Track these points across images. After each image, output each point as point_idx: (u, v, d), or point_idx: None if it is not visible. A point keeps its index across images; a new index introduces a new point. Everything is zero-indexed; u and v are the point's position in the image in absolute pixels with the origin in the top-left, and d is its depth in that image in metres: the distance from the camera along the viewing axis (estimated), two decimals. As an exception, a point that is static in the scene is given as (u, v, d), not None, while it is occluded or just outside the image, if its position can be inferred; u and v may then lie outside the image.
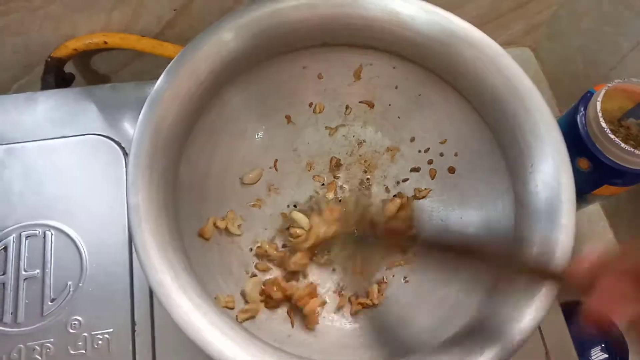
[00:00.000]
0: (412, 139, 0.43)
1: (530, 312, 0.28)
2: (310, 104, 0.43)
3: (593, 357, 0.52)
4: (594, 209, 0.63)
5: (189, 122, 0.34)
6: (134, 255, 0.40)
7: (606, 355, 0.52)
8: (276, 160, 0.42)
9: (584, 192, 0.51)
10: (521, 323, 0.28)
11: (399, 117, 0.43)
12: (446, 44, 0.36)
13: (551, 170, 0.32)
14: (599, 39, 0.59)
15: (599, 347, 0.53)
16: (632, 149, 0.44)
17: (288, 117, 0.42)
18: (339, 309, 0.38)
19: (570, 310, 0.53)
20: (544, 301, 0.28)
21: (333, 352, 0.34)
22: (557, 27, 0.66)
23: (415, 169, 0.43)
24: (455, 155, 0.41)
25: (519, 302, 0.28)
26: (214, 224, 0.38)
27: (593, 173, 0.48)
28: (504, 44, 0.37)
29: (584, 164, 0.48)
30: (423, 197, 0.42)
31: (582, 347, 0.53)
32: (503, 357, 0.27)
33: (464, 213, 0.39)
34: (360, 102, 0.43)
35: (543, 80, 0.69)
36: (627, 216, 0.61)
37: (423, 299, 0.37)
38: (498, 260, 0.26)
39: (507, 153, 0.35)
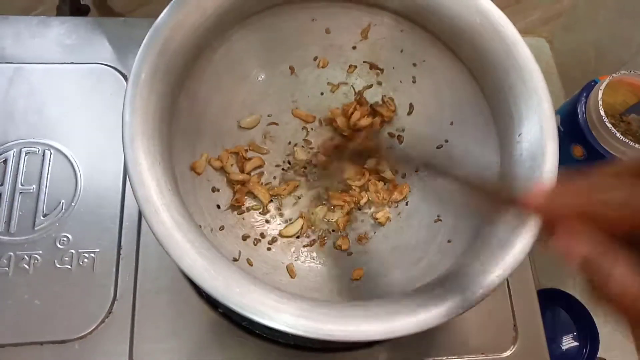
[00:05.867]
0: (411, 105, 0.43)
1: (499, 267, 0.29)
2: (315, 58, 0.43)
3: (564, 344, 0.53)
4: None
5: (193, 53, 0.34)
6: (128, 184, 0.42)
7: (577, 343, 0.53)
8: (275, 109, 0.43)
9: (575, 180, 0.52)
10: (490, 277, 0.29)
11: (400, 82, 0.43)
12: (452, 8, 0.36)
13: (537, 141, 0.32)
14: (614, 33, 0.59)
15: (571, 335, 0.54)
16: (626, 140, 0.44)
17: (292, 68, 0.43)
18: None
19: (546, 296, 0.54)
20: (516, 256, 0.29)
21: (308, 290, 0.36)
22: (575, 19, 0.65)
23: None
24: (451, 124, 0.41)
25: (492, 256, 0.29)
26: (209, 162, 0.39)
27: (586, 161, 0.48)
28: (520, 32, 0.37)
29: (578, 151, 0.48)
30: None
31: (555, 333, 0.54)
32: (464, 307, 0.28)
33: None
34: (364, 62, 0.43)
35: (554, 71, 0.69)
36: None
37: (401, 255, 0.38)
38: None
39: (499, 123, 0.36)
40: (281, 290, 0.29)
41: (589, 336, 0.53)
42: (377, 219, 0.40)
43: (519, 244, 0.30)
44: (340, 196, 0.41)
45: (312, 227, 0.40)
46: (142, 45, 0.31)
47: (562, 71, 0.70)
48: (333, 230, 0.40)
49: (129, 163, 0.29)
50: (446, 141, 0.41)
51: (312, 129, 0.44)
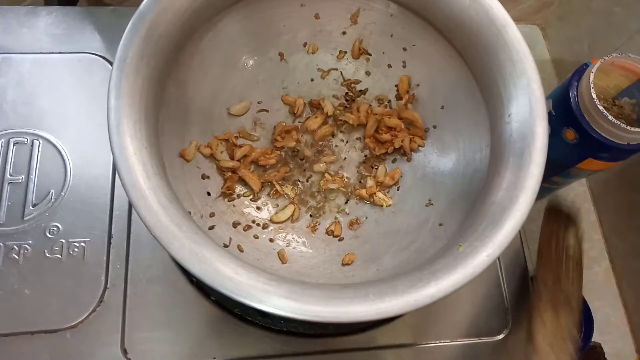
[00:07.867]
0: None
1: (489, 247, 0.29)
2: (305, 44, 0.43)
3: (558, 329, 0.53)
4: (581, 190, 0.64)
5: (179, 38, 0.34)
6: (117, 173, 0.41)
7: (571, 328, 0.53)
8: (264, 96, 0.43)
9: (568, 164, 0.52)
10: (479, 256, 0.29)
11: (390, 66, 0.43)
12: (442, -10, 0.36)
13: (527, 121, 0.32)
14: (607, 20, 0.58)
15: (565, 320, 0.53)
16: (618, 122, 0.44)
17: (281, 54, 0.43)
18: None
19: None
20: (506, 236, 0.29)
21: (299, 275, 0.36)
22: (568, 6, 0.65)
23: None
24: (442, 108, 0.41)
25: (482, 236, 0.29)
26: (198, 149, 0.39)
27: (579, 145, 0.48)
28: (514, 20, 0.36)
29: (570, 135, 0.48)
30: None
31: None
32: (454, 287, 0.28)
33: (442, 161, 0.40)
34: (354, 47, 0.43)
35: (548, 59, 0.69)
36: (613, 201, 0.61)
37: (392, 239, 0.38)
38: None
39: (489, 104, 0.36)
40: (270, 273, 0.29)
41: (584, 321, 0.53)
42: (375, 201, 0.40)
43: (509, 223, 0.29)
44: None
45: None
46: (127, 29, 0.31)
47: (555, 59, 0.70)
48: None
49: (115, 147, 0.29)
50: (434, 127, 0.41)
51: (301, 115, 0.43)
